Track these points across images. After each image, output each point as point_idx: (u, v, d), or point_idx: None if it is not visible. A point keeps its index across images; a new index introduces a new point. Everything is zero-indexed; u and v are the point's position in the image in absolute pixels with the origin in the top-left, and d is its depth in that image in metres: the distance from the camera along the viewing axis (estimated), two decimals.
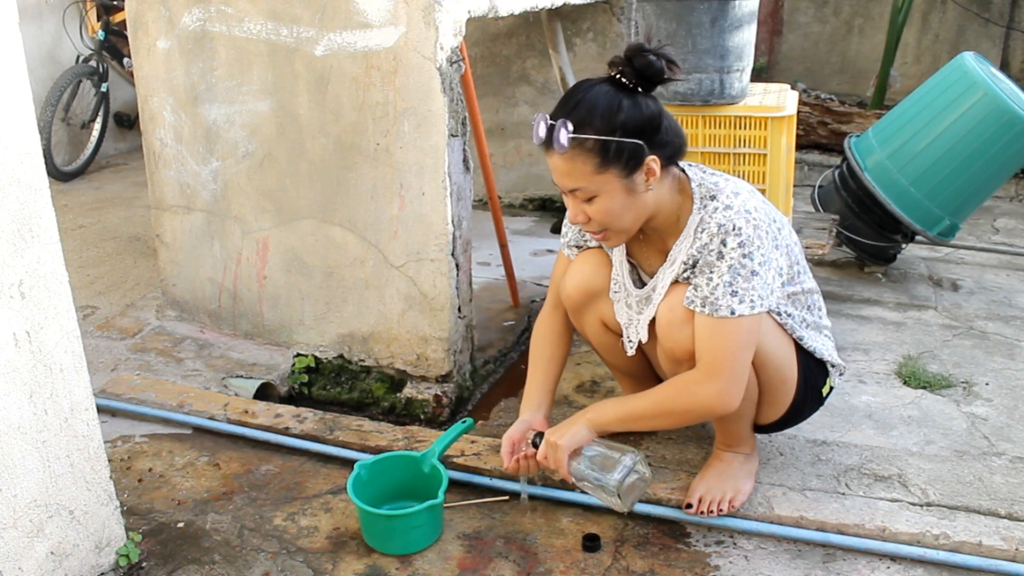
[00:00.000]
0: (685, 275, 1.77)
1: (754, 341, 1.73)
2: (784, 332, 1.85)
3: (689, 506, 1.89)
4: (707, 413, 1.77)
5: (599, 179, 1.67)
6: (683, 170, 1.79)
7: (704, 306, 1.70)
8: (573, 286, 1.97)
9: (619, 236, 1.78)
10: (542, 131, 1.67)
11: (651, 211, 1.75)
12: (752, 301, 1.68)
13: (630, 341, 1.94)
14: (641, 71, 1.65)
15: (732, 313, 1.68)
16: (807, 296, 1.89)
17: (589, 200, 1.70)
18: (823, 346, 1.93)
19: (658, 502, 1.93)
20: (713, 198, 1.73)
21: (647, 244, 1.85)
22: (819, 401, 1.98)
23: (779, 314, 1.83)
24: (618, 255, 1.92)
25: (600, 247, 1.98)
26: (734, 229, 1.67)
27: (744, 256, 1.67)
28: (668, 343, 1.81)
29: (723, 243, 1.68)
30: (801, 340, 1.87)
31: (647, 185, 1.70)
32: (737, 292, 1.68)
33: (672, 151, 1.72)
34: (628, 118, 1.65)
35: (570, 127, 1.64)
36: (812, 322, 1.91)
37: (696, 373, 1.73)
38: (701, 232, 1.72)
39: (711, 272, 1.69)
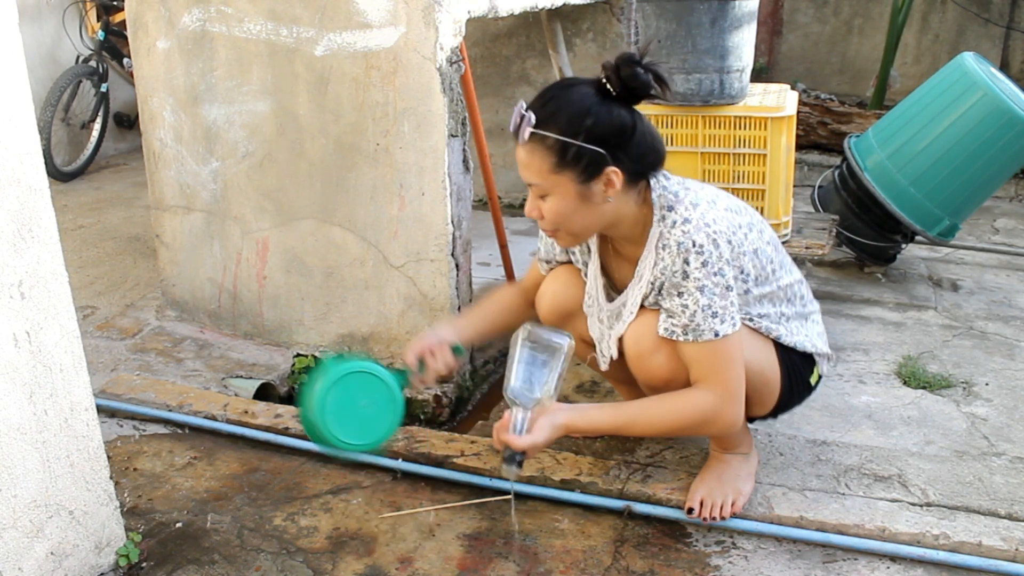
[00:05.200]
0: (653, 300, 1.75)
1: (742, 352, 1.73)
2: (759, 336, 1.83)
3: (691, 510, 1.88)
4: (712, 431, 1.80)
5: (553, 179, 1.65)
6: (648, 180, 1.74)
7: (687, 334, 1.69)
8: (547, 307, 1.97)
9: (569, 239, 1.77)
10: (516, 118, 1.65)
11: (609, 221, 1.72)
12: (732, 317, 1.68)
13: (603, 356, 1.93)
14: (625, 82, 1.62)
15: (716, 335, 1.67)
16: (786, 290, 1.86)
17: (543, 197, 1.68)
18: (806, 337, 1.90)
19: (658, 502, 1.93)
20: (671, 209, 1.69)
21: (618, 256, 1.84)
22: (808, 390, 1.97)
23: (751, 319, 1.81)
24: (593, 267, 1.91)
25: (571, 263, 1.97)
26: (695, 247, 1.64)
27: (714, 274, 1.65)
28: (642, 375, 1.82)
29: (686, 262, 1.65)
30: (780, 338, 1.85)
31: (605, 195, 1.66)
32: (717, 312, 1.66)
33: (642, 167, 1.68)
34: (595, 124, 1.61)
35: (532, 120, 1.62)
36: (794, 313, 1.89)
37: (699, 394, 1.72)
38: (662, 249, 1.69)
39: (681, 296, 1.67)
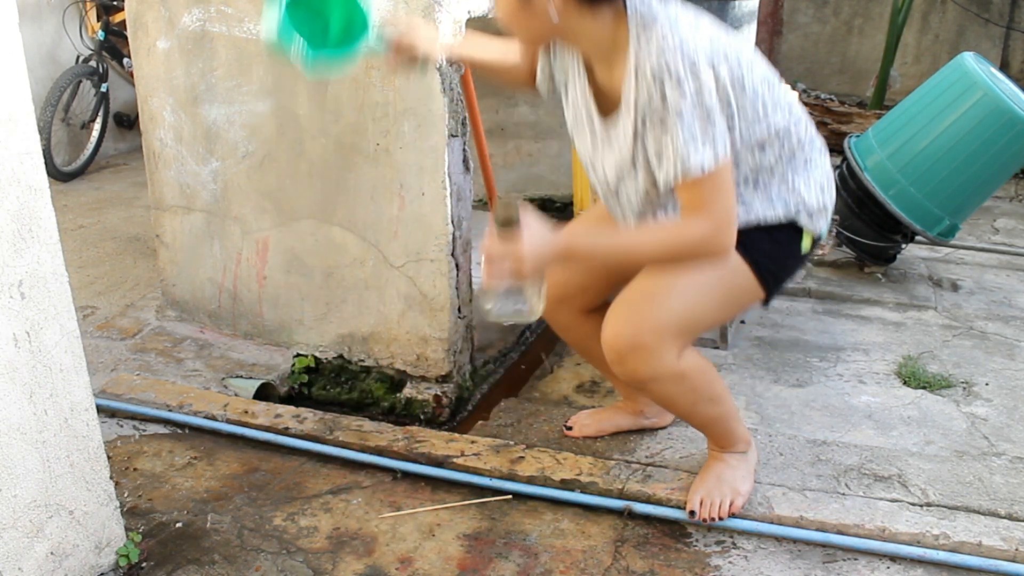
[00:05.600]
0: (641, 130, 1.62)
1: (731, 181, 1.60)
2: (716, 270, 1.70)
3: (692, 513, 1.88)
4: (706, 259, 1.65)
5: None
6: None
7: (675, 172, 1.56)
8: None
9: (522, 41, 1.77)
10: None
11: (565, 38, 1.62)
12: (717, 147, 1.54)
13: (595, 178, 1.82)
14: None
15: (703, 169, 1.54)
16: (780, 134, 1.70)
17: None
18: (791, 192, 1.74)
19: (658, 502, 1.93)
20: (646, 29, 1.55)
21: (601, 76, 1.71)
22: (800, 260, 1.84)
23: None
24: (581, 84, 1.75)
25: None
26: (669, 72, 1.51)
27: (693, 102, 1.51)
28: (625, 377, 1.77)
29: (663, 89, 1.52)
30: (757, 215, 1.72)
31: (550, 12, 1.54)
32: (699, 142, 1.53)
33: None
34: None
35: None
36: (788, 159, 1.73)
37: (691, 225, 1.60)
38: (639, 75, 1.56)
39: (664, 124, 1.55)
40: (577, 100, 1.77)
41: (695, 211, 1.59)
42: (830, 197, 1.81)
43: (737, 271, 1.75)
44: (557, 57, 1.80)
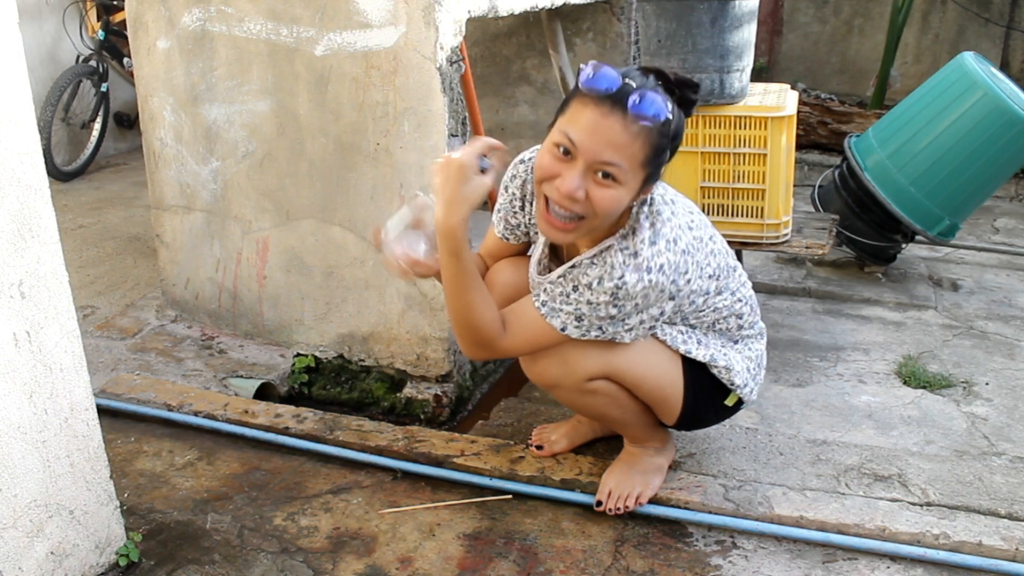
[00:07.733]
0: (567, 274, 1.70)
1: (549, 343, 1.71)
2: (666, 349, 1.80)
3: (599, 503, 1.91)
4: (467, 342, 1.71)
5: (637, 172, 1.52)
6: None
7: (544, 305, 1.67)
8: (497, 296, 1.91)
9: (589, 231, 1.61)
10: (613, 83, 1.46)
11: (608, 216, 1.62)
12: (586, 332, 1.67)
13: None
14: (683, 99, 1.56)
15: (563, 329, 1.67)
16: (716, 313, 1.81)
17: (606, 180, 1.51)
18: (725, 361, 1.84)
19: (658, 502, 1.93)
20: (633, 234, 1.62)
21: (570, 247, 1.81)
22: (724, 411, 1.93)
23: (662, 330, 1.79)
24: (544, 243, 1.85)
25: (516, 257, 1.97)
26: (619, 279, 1.58)
27: (612, 306, 1.62)
28: (532, 378, 1.83)
29: (600, 280, 1.60)
30: (689, 352, 1.81)
31: (635, 201, 1.61)
32: (582, 324, 1.66)
33: None
34: (678, 142, 1.58)
35: (670, 107, 1.49)
36: (720, 333, 1.85)
37: (499, 328, 1.68)
38: (601, 256, 1.63)
39: (574, 291, 1.64)
40: (538, 248, 1.87)
41: (508, 325, 1.70)
42: (755, 379, 1.91)
43: (674, 367, 1.82)
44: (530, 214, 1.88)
